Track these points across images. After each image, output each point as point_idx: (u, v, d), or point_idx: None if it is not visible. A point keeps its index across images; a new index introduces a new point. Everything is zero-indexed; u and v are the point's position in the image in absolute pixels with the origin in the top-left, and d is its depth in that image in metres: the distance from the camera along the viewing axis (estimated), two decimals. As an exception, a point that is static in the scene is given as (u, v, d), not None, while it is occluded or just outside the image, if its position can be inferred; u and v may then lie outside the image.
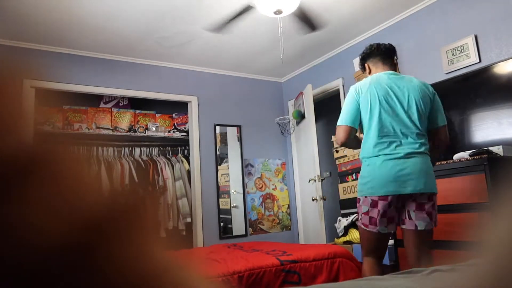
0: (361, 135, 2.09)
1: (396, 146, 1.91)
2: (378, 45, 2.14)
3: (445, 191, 2.39)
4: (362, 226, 1.97)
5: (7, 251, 0.15)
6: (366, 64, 2.16)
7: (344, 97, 4.13)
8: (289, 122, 4.84)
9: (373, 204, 1.90)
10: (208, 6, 3.15)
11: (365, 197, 1.93)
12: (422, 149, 1.91)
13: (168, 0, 3.04)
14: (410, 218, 1.90)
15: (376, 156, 1.92)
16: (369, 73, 2.15)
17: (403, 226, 1.93)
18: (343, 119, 2.02)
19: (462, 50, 2.96)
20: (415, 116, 1.93)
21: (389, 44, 2.15)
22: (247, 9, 2.93)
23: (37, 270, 0.16)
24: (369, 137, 1.96)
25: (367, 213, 1.93)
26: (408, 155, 1.88)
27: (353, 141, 2.07)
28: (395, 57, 2.16)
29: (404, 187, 1.85)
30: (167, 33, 3.60)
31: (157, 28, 3.49)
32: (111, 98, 4.70)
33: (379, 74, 2.05)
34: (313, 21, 3.15)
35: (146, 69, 4.19)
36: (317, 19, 3.19)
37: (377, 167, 1.90)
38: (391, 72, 2.05)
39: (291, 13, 2.94)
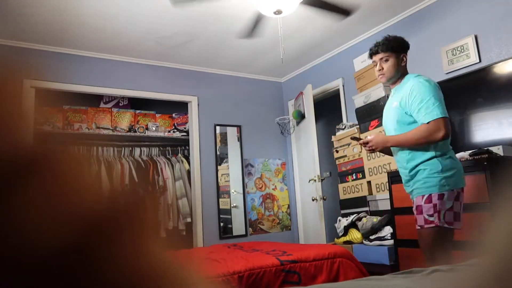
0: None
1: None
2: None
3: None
4: (446, 225, 1.83)
5: (7, 251, 0.15)
6: (405, 55, 2.07)
7: (345, 97, 4.15)
8: (289, 122, 4.84)
9: (457, 197, 1.86)
10: (208, 6, 3.15)
11: (452, 190, 1.84)
12: None
13: (168, 0, 3.04)
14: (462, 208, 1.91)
15: (452, 149, 1.94)
16: (405, 64, 2.07)
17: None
18: (445, 111, 1.87)
19: (462, 50, 2.96)
20: None
21: None
22: (260, 17, 2.94)
23: (37, 270, 0.16)
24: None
25: (451, 208, 1.83)
26: None
27: None
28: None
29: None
30: (167, 33, 3.60)
31: (157, 28, 3.49)
32: (111, 98, 4.70)
33: None
34: (342, 6, 3.08)
35: (146, 69, 4.19)
36: (346, 4, 3.11)
37: (457, 160, 1.93)
38: None
39: (311, 7, 2.91)
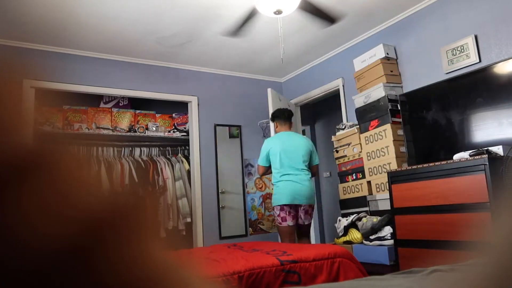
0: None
1: (291, 175, 3.16)
2: (285, 110, 3.45)
3: (445, 191, 2.39)
4: (278, 224, 3.20)
5: (5, 253, 0.15)
6: (275, 122, 3.47)
7: (345, 97, 4.15)
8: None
9: (282, 209, 3.15)
10: (209, 6, 3.15)
11: (278, 205, 3.16)
12: (308, 177, 3.21)
13: (168, 0, 3.04)
14: (301, 218, 3.21)
15: (280, 181, 3.20)
16: (276, 127, 3.46)
17: (299, 222, 3.21)
18: (260, 161, 3.36)
19: (462, 50, 2.96)
20: (302, 159, 3.21)
21: (290, 110, 3.49)
22: (254, 12, 2.92)
23: (36, 272, 0.16)
24: (276, 170, 3.23)
25: (279, 215, 3.17)
26: (299, 181, 3.15)
27: (267, 172, 3.42)
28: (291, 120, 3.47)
29: (298, 200, 3.13)
30: (167, 33, 3.60)
31: (157, 28, 3.49)
32: (111, 98, 4.70)
33: (282, 133, 3.34)
34: (329, 14, 3.08)
35: (146, 69, 4.19)
36: (333, 11, 3.11)
37: (282, 187, 3.16)
38: (289, 132, 3.36)
39: (301, 11, 2.91)
